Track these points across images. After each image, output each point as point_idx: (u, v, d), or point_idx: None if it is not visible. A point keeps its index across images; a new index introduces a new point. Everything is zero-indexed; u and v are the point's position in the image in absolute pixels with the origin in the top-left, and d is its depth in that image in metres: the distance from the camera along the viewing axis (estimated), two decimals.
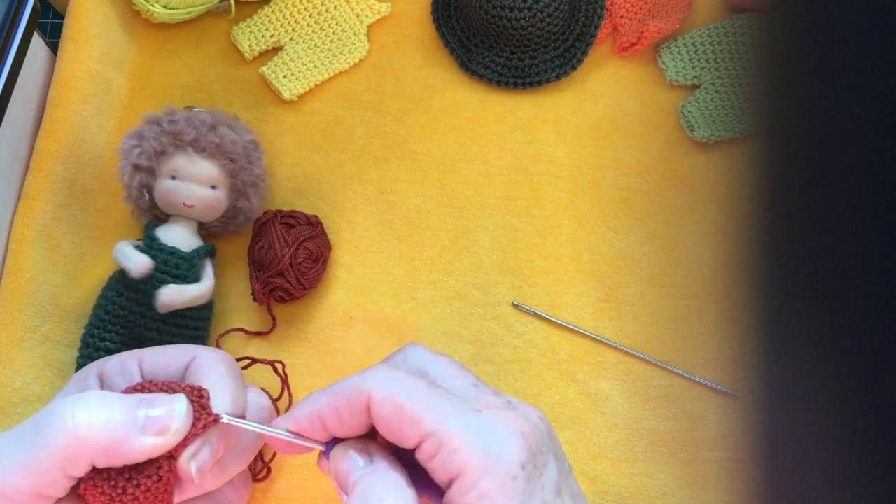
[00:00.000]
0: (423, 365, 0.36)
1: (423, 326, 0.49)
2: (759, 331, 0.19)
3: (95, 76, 0.51)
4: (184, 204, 0.45)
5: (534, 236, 0.51)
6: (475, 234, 0.51)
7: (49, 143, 0.49)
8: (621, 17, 0.55)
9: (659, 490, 0.46)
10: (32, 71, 0.49)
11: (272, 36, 0.54)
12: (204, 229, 0.47)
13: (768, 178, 0.19)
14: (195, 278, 0.45)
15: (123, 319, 0.44)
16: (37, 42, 0.49)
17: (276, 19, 0.54)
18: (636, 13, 0.55)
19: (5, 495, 0.32)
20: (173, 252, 0.45)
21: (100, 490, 0.32)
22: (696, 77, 0.54)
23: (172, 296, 0.43)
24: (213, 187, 0.45)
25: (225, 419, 0.34)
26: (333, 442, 0.35)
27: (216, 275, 0.48)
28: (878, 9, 0.15)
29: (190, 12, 0.53)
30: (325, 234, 0.49)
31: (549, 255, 0.51)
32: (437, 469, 0.32)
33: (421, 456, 0.33)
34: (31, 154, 0.49)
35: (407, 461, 0.34)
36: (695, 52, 0.54)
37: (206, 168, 0.45)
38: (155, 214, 0.47)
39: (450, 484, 0.32)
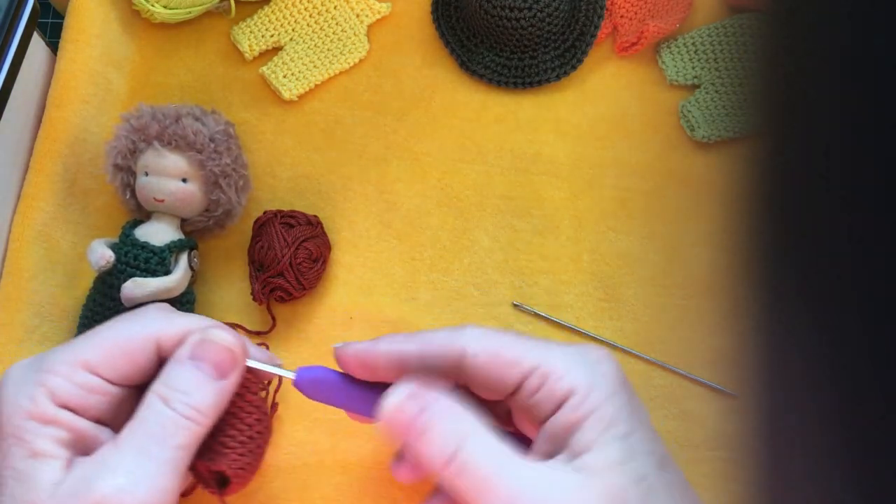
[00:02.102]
0: None
1: (423, 326, 0.48)
2: (759, 331, 0.19)
3: (95, 76, 0.51)
4: (154, 199, 0.45)
5: (534, 236, 0.51)
6: (475, 234, 0.51)
7: (49, 143, 0.49)
8: (621, 17, 0.55)
9: None
10: (32, 71, 0.49)
11: (272, 36, 0.54)
12: (189, 225, 0.47)
13: (768, 178, 0.19)
14: (165, 272, 0.45)
15: (101, 316, 0.45)
16: (37, 42, 0.49)
17: (276, 19, 0.54)
18: (636, 13, 0.55)
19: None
20: (144, 246, 0.44)
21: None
22: (696, 77, 0.54)
23: (132, 289, 0.43)
24: (183, 180, 0.45)
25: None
26: (306, 370, 0.37)
27: (213, 273, 0.48)
28: (877, 9, 0.15)
29: (190, 12, 0.53)
30: (325, 234, 0.49)
31: (549, 254, 0.51)
32: (542, 400, 0.34)
33: (523, 394, 0.34)
34: (31, 154, 0.49)
35: None
36: (695, 52, 0.54)
37: (174, 161, 0.45)
38: (146, 213, 0.47)
39: (554, 412, 0.34)
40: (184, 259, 0.46)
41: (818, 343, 0.17)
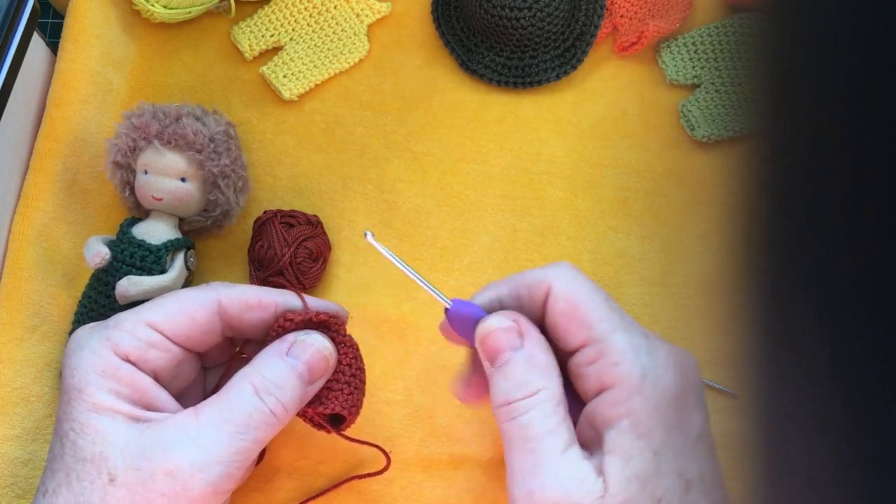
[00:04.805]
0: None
1: (423, 326, 0.48)
2: (759, 331, 0.19)
3: (95, 76, 0.51)
4: (153, 197, 0.45)
5: (534, 236, 0.51)
6: (475, 234, 0.51)
7: (49, 143, 0.49)
8: (621, 16, 0.55)
9: None
10: (32, 71, 0.49)
11: (272, 36, 0.54)
12: (187, 225, 0.47)
13: (768, 177, 0.19)
14: (161, 271, 0.45)
15: (96, 313, 0.45)
16: (37, 42, 0.49)
17: (276, 19, 0.54)
18: (636, 13, 0.55)
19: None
20: (140, 244, 0.45)
21: None
22: (696, 76, 0.54)
23: (126, 286, 0.43)
24: (182, 180, 0.45)
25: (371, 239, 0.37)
26: (458, 303, 0.37)
27: (212, 272, 0.47)
28: (877, 8, 0.15)
29: (190, 12, 0.53)
30: (325, 233, 0.49)
31: (550, 254, 0.51)
32: (591, 376, 0.33)
33: (579, 359, 0.34)
34: (31, 154, 0.49)
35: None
36: (695, 52, 0.54)
37: (174, 160, 0.45)
38: (144, 211, 0.47)
39: (598, 394, 0.33)
40: (180, 258, 0.46)
41: (818, 343, 0.17)
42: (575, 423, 0.35)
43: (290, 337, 0.37)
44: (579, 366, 0.34)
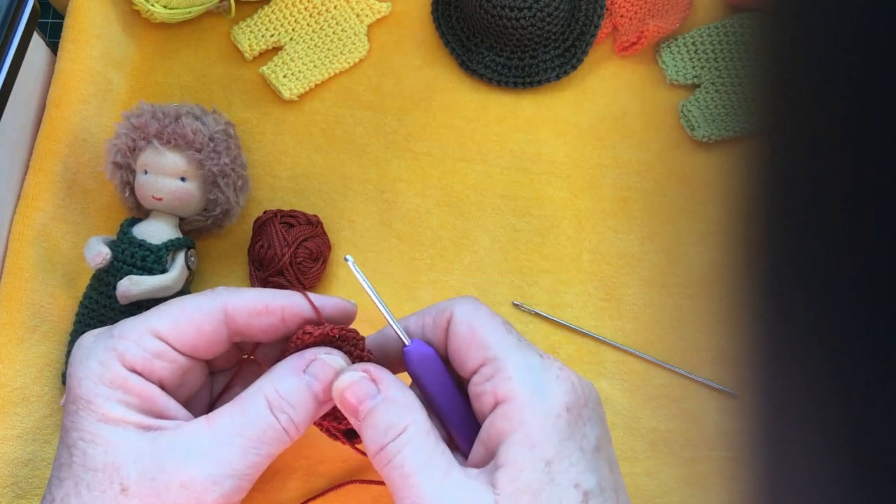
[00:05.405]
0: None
1: None
2: (759, 330, 0.19)
3: (95, 76, 0.51)
4: (153, 197, 0.45)
5: (534, 236, 0.51)
6: (475, 234, 0.51)
7: (49, 143, 0.49)
8: (621, 16, 0.55)
9: (659, 489, 0.46)
10: (32, 71, 0.49)
11: (272, 36, 0.54)
12: (187, 224, 0.47)
13: (768, 177, 0.19)
14: (162, 271, 0.45)
15: (97, 314, 0.45)
16: (37, 42, 0.49)
17: (276, 19, 0.54)
18: (636, 13, 0.55)
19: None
20: (141, 244, 0.44)
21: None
22: (696, 76, 0.54)
23: (128, 286, 0.43)
24: (182, 179, 0.45)
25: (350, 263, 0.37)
26: (415, 343, 0.37)
27: (212, 272, 0.47)
28: (877, 8, 0.15)
29: (190, 12, 0.53)
30: (325, 233, 0.49)
31: (550, 254, 0.51)
32: (487, 392, 0.34)
33: (477, 379, 0.35)
34: (31, 154, 0.49)
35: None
36: (695, 52, 0.54)
37: (173, 160, 0.45)
38: (144, 211, 0.47)
39: (493, 409, 0.34)
40: (180, 258, 0.46)
41: (818, 343, 0.17)
42: (469, 449, 0.35)
43: (310, 354, 0.36)
44: (477, 384, 0.35)
